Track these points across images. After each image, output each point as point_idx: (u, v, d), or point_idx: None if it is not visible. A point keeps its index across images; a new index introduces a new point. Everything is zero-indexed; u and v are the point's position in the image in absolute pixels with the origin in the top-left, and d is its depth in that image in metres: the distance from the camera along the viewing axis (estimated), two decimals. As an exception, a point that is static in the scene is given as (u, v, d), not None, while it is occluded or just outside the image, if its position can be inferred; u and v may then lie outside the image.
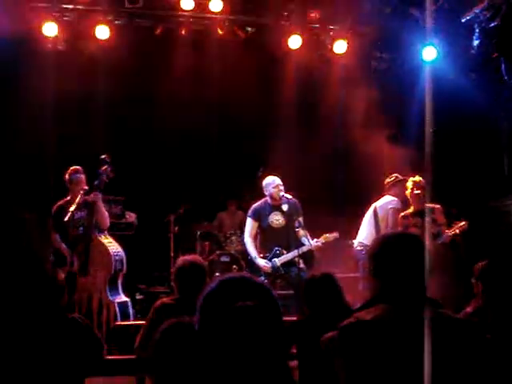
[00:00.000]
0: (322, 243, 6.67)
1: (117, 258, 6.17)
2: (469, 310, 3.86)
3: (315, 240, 6.67)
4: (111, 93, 8.77)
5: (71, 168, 6.30)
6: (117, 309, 6.03)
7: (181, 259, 4.21)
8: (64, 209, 6.16)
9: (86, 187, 6.17)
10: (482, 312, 3.74)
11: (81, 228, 6.10)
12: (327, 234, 6.70)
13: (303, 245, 6.62)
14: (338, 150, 9.19)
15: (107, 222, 6.30)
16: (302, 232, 6.67)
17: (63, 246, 6.18)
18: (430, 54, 7.87)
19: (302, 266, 6.65)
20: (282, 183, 6.71)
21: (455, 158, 8.71)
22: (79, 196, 6.07)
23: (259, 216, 6.76)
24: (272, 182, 6.73)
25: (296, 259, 6.55)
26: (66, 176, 6.28)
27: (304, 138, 8.97)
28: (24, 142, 8.22)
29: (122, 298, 6.31)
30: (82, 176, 6.25)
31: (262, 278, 6.49)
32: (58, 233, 6.24)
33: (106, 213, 6.29)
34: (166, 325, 2.11)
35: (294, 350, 3.76)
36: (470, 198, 8.29)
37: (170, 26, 8.13)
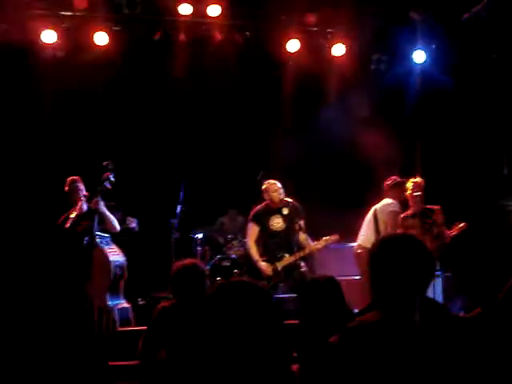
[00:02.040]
0: (323, 246, 6.69)
1: (117, 263, 6.18)
2: (478, 310, 3.84)
3: (315, 243, 6.69)
4: (111, 98, 8.79)
5: (68, 179, 6.36)
6: (116, 315, 6.04)
7: (176, 264, 4.22)
8: (67, 217, 6.21)
9: (86, 193, 6.21)
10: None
11: (86, 238, 6.10)
12: (328, 237, 6.72)
13: (304, 248, 6.65)
14: (339, 152, 9.20)
15: (116, 225, 6.34)
16: (303, 235, 6.69)
17: None
18: (420, 57, 8.03)
19: (304, 269, 6.66)
20: (281, 187, 6.73)
21: (456, 160, 8.74)
22: (80, 203, 6.11)
23: (260, 220, 6.77)
24: (271, 186, 6.75)
25: (298, 262, 6.58)
26: (66, 188, 6.34)
27: (304, 140, 8.99)
28: (23, 148, 8.26)
29: (123, 304, 6.31)
30: (79, 184, 6.30)
31: (265, 282, 6.51)
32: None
33: (113, 216, 6.31)
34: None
35: (295, 354, 3.77)
36: (470, 199, 8.31)
37: (168, 31, 8.13)
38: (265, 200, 6.84)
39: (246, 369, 1.53)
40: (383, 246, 2.24)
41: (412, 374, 1.84)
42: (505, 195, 8.23)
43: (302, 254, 6.62)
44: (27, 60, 7.85)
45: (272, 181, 6.83)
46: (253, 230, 6.79)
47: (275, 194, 6.67)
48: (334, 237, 6.73)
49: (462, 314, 3.78)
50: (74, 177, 6.37)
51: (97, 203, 6.08)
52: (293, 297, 6.68)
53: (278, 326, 1.59)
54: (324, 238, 6.71)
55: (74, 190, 6.27)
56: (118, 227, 6.37)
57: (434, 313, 2.08)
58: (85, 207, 6.19)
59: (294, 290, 6.70)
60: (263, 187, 6.86)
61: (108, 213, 6.23)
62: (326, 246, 6.74)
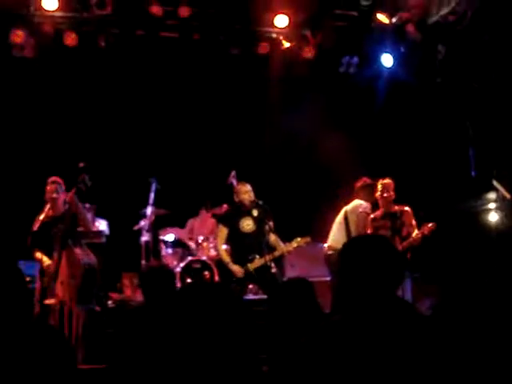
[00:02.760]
0: (294, 247, 6.72)
1: (87, 267, 6.11)
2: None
3: (287, 244, 6.71)
4: (82, 99, 8.74)
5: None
6: (86, 318, 5.98)
7: (144, 266, 4.21)
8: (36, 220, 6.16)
9: (55, 195, 6.12)
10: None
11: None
12: (299, 239, 6.74)
13: (275, 249, 6.67)
14: (307, 154, 9.27)
15: (89, 224, 6.29)
16: (273, 236, 6.71)
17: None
18: (387, 60, 8.17)
19: (274, 270, 6.68)
20: (251, 189, 6.73)
21: (423, 161, 8.86)
22: (48, 206, 6.06)
23: (230, 222, 6.76)
24: (242, 188, 6.75)
25: (268, 264, 6.59)
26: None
27: (274, 142, 9.05)
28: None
29: (93, 307, 6.26)
30: (48, 186, 6.19)
31: (235, 285, 6.51)
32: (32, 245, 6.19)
33: (87, 214, 6.26)
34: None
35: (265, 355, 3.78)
36: (437, 201, 8.43)
37: (141, 32, 8.08)
38: (235, 202, 6.84)
39: (216, 370, 1.53)
40: (353, 247, 2.26)
41: (379, 373, 1.86)
42: (472, 196, 8.36)
43: (272, 255, 6.63)
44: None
45: (242, 183, 6.84)
46: (222, 232, 6.78)
47: (245, 195, 6.68)
48: (306, 239, 6.76)
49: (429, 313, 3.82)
50: (52, 177, 6.27)
51: (72, 198, 6.00)
52: (264, 298, 6.71)
53: (247, 327, 1.60)
54: (295, 239, 6.74)
55: (45, 191, 6.20)
56: (91, 227, 6.33)
57: (402, 312, 2.11)
58: (50, 212, 6.09)
59: (265, 292, 6.72)
60: (234, 190, 6.87)
61: (81, 208, 6.16)
62: (296, 248, 6.77)
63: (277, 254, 6.68)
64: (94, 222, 7.95)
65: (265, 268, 6.61)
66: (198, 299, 1.59)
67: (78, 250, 6.10)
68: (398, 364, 1.87)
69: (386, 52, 8.38)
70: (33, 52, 7.76)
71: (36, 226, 6.03)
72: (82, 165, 6.11)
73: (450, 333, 2.19)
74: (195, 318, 1.56)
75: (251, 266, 6.60)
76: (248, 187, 6.74)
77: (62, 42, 7.73)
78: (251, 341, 1.59)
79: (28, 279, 5.48)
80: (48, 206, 6.08)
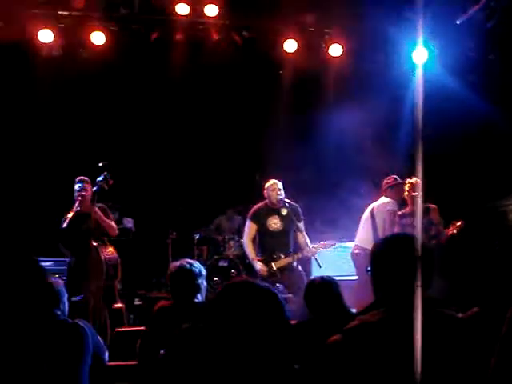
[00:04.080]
0: (319, 250, 6.67)
1: (109, 263, 6.16)
2: (475, 309, 3.86)
3: (312, 246, 6.66)
4: (107, 99, 8.78)
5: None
6: (107, 316, 6.03)
7: (171, 265, 4.22)
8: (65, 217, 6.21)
9: (84, 193, 6.16)
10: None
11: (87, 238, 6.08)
12: (325, 242, 6.71)
13: (301, 250, 6.64)
14: (334, 153, 9.20)
15: (114, 229, 6.32)
16: (301, 237, 6.68)
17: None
18: (420, 55, 7.90)
19: (299, 269, 6.65)
20: (281, 187, 6.70)
21: (454, 160, 8.74)
22: (76, 204, 6.10)
23: (258, 219, 6.74)
24: (271, 186, 6.73)
25: (294, 264, 6.56)
26: None
27: (301, 141, 9.00)
28: (19, 148, 8.25)
29: (117, 304, 6.30)
30: (76, 185, 6.24)
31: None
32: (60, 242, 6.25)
33: (109, 221, 6.27)
34: (182, 329, 2.11)
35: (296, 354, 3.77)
36: (467, 199, 8.32)
37: (165, 31, 8.11)
38: (265, 199, 6.82)
39: (253, 368, 1.52)
40: (386, 245, 2.23)
41: (412, 374, 1.83)
42: (502, 195, 8.24)
43: (298, 256, 6.59)
44: (24, 59, 7.83)
45: (273, 180, 6.80)
46: (250, 229, 6.76)
47: (273, 193, 6.66)
48: (332, 242, 6.73)
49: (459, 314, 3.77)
50: (80, 177, 6.32)
51: (92, 209, 6.05)
52: (288, 297, 6.68)
53: (284, 325, 1.59)
54: (321, 242, 6.71)
55: (75, 190, 6.25)
56: (116, 231, 6.36)
57: (434, 312, 2.08)
58: (79, 208, 6.13)
59: (290, 291, 6.68)
60: (265, 186, 6.84)
61: (104, 218, 6.19)
62: (322, 250, 6.72)
63: (302, 255, 6.63)
64: (120, 220, 8.02)
65: (289, 267, 6.58)
66: (234, 297, 1.58)
67: (102, 248, 6.16)
68: (431, 365, 1.84)
69: (417, 48, 8.19)
70: (61, 51, 7.84)
71: (65, 224, 6.08)
72: (102, 164, 6.15)
73: (484, 334, 2.15)
74: (231, 316, 1.55)
75: (276, 265, 6.58)
76: (278, 185, 6.71)
77: (88, 41, 7.78)
78: (287, 338, 1.58)
79: (56, 276, 5.53)
80: (76, 204, 6.13)
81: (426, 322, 1.68)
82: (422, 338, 1.68)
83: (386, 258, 2.17)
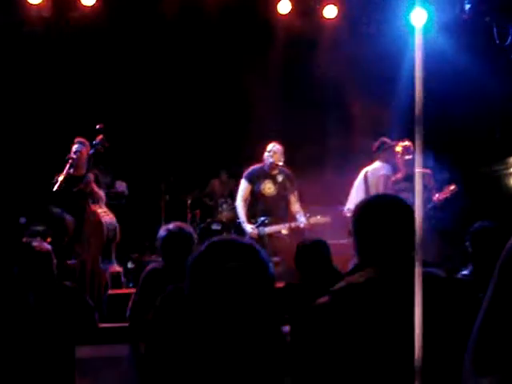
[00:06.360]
0: (311, 224, 6.61)
1: (110, 227, 6.15)
2: (465, 272, 3.90)
3: (305, 220, 6.58)
4: (99, 61, 8.66)
5: None
6: (108, 278, 6.03)
7: (163, 228, 4.22)
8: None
9: (74, 156, 6.09)
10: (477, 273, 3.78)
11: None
12: (319, 217, 6.65)
13: (293, 220, 6.59)
14: (330, 115, 9.14)
15: (102, 200, 6.29)
16: (296, 207, 6.64)
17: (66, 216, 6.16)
18: (419, 17, 7.70)
19: (287, 235, 6.57)
20: (280, 152, 6.62)
21: (447, 124, 8.69)
22: (67, 165, 6.01)
23: (253, 180, 6.67)
24: (269, 148, 6.65)
25: (284, 232, 6.52)
26: None
27: (295, 105, 8.93)
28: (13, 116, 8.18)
29: (115, 267, 6.31)
30: (75, 146, 6.17)
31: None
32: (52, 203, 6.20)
33: (99, 191, 6.24)
34: (167, 291, 2.11)
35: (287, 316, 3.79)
36: (461, 164, 8.30)
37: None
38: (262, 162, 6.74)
39: (236, 328, 1.51)
40: (368, 206, 2.20)
41: (404, 334, 1.83)
42: (496, 160, 8.23)
43: (289, 226, 6.54)
44: (15, 20, 7.69)
45: (273, 143, 6.71)
46: (245, 189, 6.69)
47: (269, 154, 6.57)
48: (325, 219, 6.68)
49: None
50: (78, 138, 6.26)
51: (87, 182, 6.01)
52: (276, 260, 6.67)
53: (268, 282, 1.58)
54: (314, 217, 6.65)
55: (71, 150, 6.19)
56: (103, 198, 6.33)
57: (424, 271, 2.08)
58: (71, 170, 6.04)
59: (277, 255, 6.63)
60: (267, 147, 6.73)
61: (95, 189, 6.15)
62: (314, 224, 6.67)
63: (293, 225, 6.58)
64: (113, 183, 7.97)
65: (278, 233, 6.55)
66: (218, 254, 1.57)
67: (99, 210, 6.13)
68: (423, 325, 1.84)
69: (414, 8, 8.05)
70: (51, 12, 7.70)
71: (56, 186, 6.01)
72: (99, 126, 6.09)
73: (477, 292, 2.16)
74: (216, 274, 1.54)
75: (265, 230, 6.52)
76: (276, 148, 6.63)
77: (80, 2, 7.64)
78: (271, 298, 1.57)
79: (49, 240, 5.52)
80: (67, 166, 6.03)
81: (410, 283, 1.67)
82: (412, 299, 1.67)
83: (369, 218, 2.14)
